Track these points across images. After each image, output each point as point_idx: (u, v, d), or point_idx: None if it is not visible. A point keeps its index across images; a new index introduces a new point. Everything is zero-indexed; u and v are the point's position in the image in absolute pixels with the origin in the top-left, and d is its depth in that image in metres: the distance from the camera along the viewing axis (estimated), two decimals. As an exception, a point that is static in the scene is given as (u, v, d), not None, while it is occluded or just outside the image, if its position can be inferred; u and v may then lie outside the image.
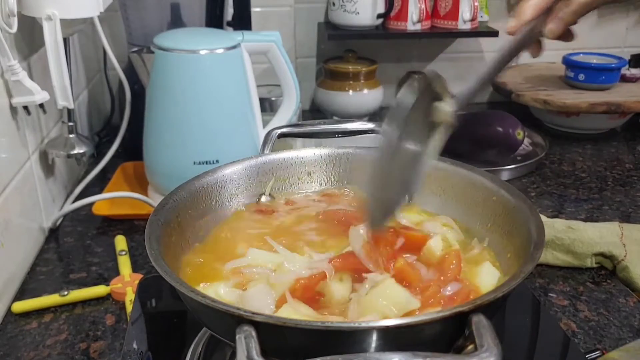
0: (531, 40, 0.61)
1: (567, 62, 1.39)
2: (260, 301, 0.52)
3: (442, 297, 0.52)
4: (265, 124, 1.04)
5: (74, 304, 0.78)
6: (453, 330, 0.43)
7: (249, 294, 0.52)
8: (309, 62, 1.51)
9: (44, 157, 0.94)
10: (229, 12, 1.21)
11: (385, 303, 0.49)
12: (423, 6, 1.36)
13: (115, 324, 0.75)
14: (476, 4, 1.36)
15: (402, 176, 0.59)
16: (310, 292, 0.53)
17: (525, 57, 1.57)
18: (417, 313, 0.49)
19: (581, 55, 1.40)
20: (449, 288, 0.53)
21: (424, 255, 0.58)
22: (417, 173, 0.59)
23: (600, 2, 0.59)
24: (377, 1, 1.34)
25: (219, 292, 0.54)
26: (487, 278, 0.55)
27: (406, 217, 0.65)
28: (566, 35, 0.62)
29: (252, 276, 0.55)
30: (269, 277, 0.54)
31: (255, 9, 1.29)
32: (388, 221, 0.60)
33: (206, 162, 0.93)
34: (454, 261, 0.56)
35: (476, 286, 0.54)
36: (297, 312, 0.50)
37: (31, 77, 0.84)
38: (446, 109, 0.57)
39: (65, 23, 0.85)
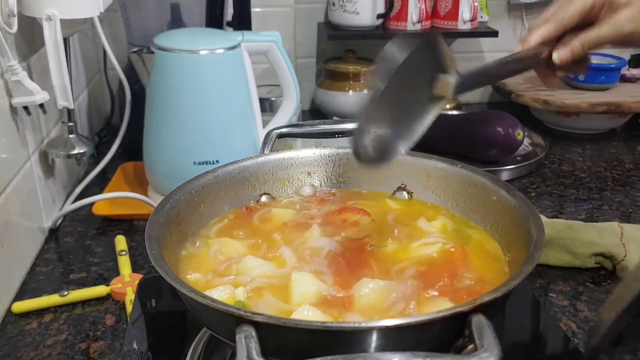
0: (537, 62, 0.66)
1: (567, 62, 1.39)
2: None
3: (452, 289, 0.53)
4: (265, 124, 1.04)
5: (74, 304, 0.78)
6: (453, 330, 0.43)
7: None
8: (309, 62, 1.51)
9: (44, 157, 0.94)
10: (229, 12, 1.21)
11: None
12: (423, 6, 1.36)
13: (115, 324, 0.75)
14: (476, 4, 1.36)
15: (394, 116, 0.56)
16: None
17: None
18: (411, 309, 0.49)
19: (581, 55, 1.40)
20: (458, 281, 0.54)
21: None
22: (411, 124, 0.58)
23: (607, 40, 0.63)
24: (377, 1, 1.34)
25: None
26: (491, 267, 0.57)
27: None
28: (579, 66, 0.67)
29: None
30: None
31: (255, 9, 1.29)
32: (380, 161, 0.57)
33: (206, 162, 0.93)
34: (459, 257, 0.57)
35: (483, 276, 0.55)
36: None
37: (31, 77, 0.84)
38: (448, 81, 0.56)
39: (65, 23, 0.85)
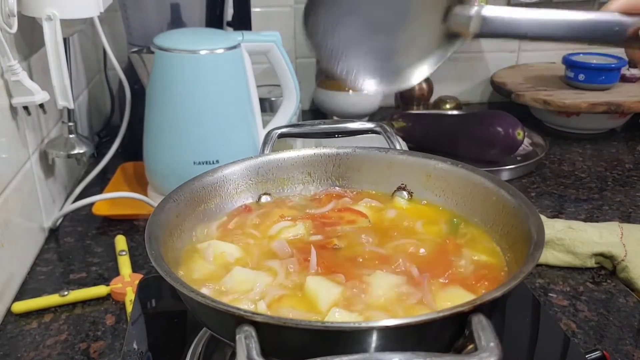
0: (618, 37, 0.49)
1: (567, 62, 1.39)
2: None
3: (459, 277, 0.54)
4: (265, 124, 1.04)
5: (74, 304, 0.78)
6: (453, 330, 0.43)
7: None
8: (309, 62, 1.51)
9: (44, 157, 0.94)
10: (229, 12, 1.21)
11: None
12: (423, 6, 1.36)
13: (115, 324, 0.75)
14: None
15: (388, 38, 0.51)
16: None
17: (525, 57, 1.57)
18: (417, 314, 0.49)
19: (581, 55, 1.40)
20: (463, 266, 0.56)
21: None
22: (414, 58, 0.52)
23: None
24: (377, 1, 1.34)
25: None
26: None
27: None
28: None
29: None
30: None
31: (255, 9, 1.29)
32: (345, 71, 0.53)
33: (206, 162, 0.93)
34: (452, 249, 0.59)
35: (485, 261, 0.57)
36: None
37: (31, 77, 0.84)
38: (466, 17, 0.49)
39: (65, 23, 0.85)
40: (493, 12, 0.49)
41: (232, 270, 0.56)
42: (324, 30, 0.51)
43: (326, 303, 0.51)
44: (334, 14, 0.50)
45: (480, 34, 0.49)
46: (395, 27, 0.51)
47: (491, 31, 0.50)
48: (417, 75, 0.53)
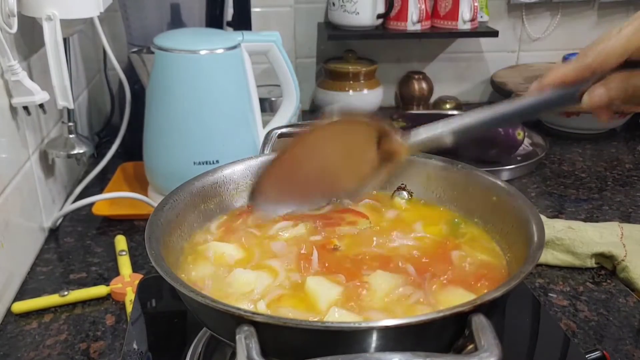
0: (569, 102, 0.53)
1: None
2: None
3: (459, 277, 0.54)
4: (265, 124, 1.04)
5: (74, 304, 0.78)
6: (453, 330, 0.43)
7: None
8: (308, 63, 1.51)
9: (44, 157, 0.94)
10: (229, 12, 1.21)
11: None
12: (423, 6, 1.36)
13: (115, 324, 0.75)
14: (476, 4, 1.37)
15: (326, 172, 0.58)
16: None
17: (525, 57, 1.57)
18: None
19: (581, 55, 1.40)
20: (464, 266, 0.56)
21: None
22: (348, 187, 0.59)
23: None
24: (377, 1, 1.34)
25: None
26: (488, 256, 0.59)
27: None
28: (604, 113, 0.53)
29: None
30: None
31: (255, 9, 1.29)
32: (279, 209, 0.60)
33: (206, 162, 0.93)
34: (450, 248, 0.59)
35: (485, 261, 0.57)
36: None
37: (31, 77, 0.84)
38: (398, 143, 0.55)
39: (65, 23, 0.85)
40: (422, 134, 0.54)
41: (232, 272, 0.56)
42: (274, 203, 0.58)
43: (326, 303, 0.51)
44: (278, 188, 0.57)
45: (417, 152, 0.55)
46: (334, 169, 0.57)
47: (431, 147, 0.54)
48: (358, 194, 0.62)
